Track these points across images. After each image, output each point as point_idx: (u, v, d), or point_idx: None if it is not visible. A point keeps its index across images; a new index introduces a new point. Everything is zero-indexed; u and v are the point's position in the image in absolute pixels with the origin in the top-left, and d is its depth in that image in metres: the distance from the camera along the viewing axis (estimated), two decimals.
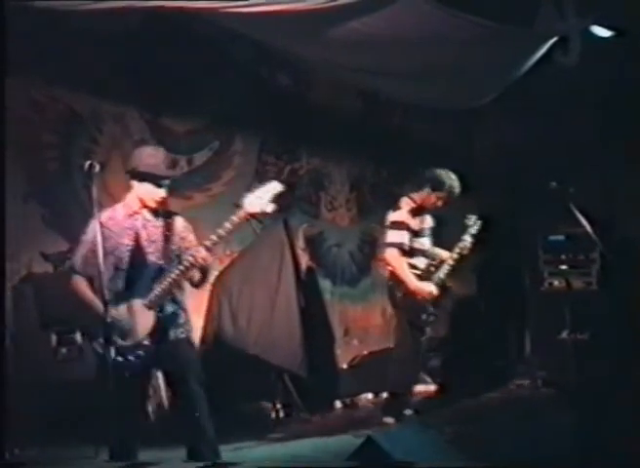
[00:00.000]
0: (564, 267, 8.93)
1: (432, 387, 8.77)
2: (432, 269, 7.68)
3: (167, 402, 7.30)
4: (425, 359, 9.48)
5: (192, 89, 8.43)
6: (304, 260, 9.29)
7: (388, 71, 7.88)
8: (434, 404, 8.15)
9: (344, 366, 9.17)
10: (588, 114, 9.45)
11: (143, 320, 5.54)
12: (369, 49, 7.43)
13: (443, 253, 7.76)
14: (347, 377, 8.96)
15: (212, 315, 8.31)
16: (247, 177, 9.00)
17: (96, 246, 5.37)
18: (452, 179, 7.70)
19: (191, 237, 5.82)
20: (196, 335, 7.83)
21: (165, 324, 5.60)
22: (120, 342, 5.46)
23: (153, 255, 5.66)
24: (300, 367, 8.14)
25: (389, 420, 7.66)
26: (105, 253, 5.42)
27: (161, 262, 5.65)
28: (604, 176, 9.22)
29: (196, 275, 5.70)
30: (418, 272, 7.62)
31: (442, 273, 7.67)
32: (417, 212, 7.68)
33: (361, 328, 9.91)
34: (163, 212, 5.79)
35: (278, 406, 8.11)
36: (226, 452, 6.09)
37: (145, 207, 5.72)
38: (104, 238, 5.46)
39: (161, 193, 5.69)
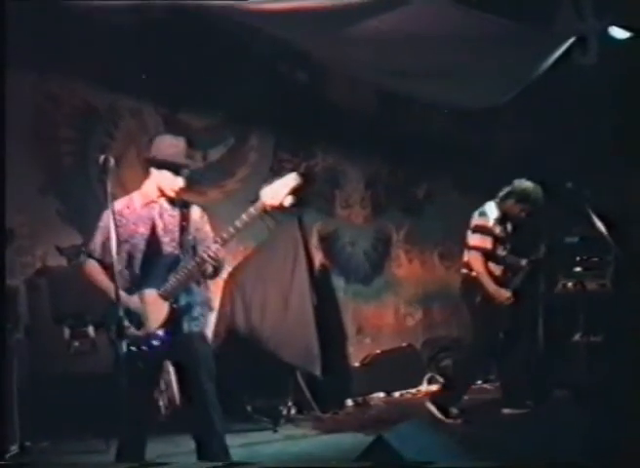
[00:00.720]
0: (578, 269, 8.90)
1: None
2: (509, 276, 7.75)
3: (179, 396, 7.29)
4: (437, 359, 9.57)
5: (209, 84, 8.44)
6: (318, 258, 9.30)
7: (406, 70, 7.85)
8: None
9: (357, 364, 9.17)
10: (605, 114, 9.41)
11: (157, 310, 5.51)
12: (387, 47, 7.41)
13: (520, 261, 7.82)
14: (359, 376, 8.95)
15: (225, 311, 8.31)
16: (262, 174, 8.99)
17: (112, 233, 5.38)
18: (537, 193, 7.73)
19: (207, 228, 5.78)
20: (209, 330, 7.88)
21: (179, 315, 5.57)
22: (133, 331, 5.45)
23: (169, 245, 5.62)
24: (312, 364, 8.13)
25: (433, 409, 7.69)
26: (121, 241, 5.42)
27: (177, 252, 5.62)
28: (620, 178, 9.18)
29: (209, 268, 5.67)
30: (494, 277, 7.69)
31: (518, 279, 7.76)
32: (502, 219, 7.73)
33: (374, 326, 9.90)
34: (180, 201, 5.77)
35: (290, 403, 8.11)
36: (236, 449, 6.10)
37: (164, 196, 5.70)
38: (120, 226, 5.47)
39: (180, 182, 5.67)
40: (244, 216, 5.45)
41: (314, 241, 9.37)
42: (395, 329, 10.00)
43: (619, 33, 8.33)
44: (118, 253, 5.29)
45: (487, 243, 7.68)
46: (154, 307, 5.52)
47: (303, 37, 7.38)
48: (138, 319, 5.49)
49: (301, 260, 8.44)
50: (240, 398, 7.77)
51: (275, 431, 7.53)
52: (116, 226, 5.39)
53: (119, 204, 5.59)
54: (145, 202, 5.68)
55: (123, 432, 5.49)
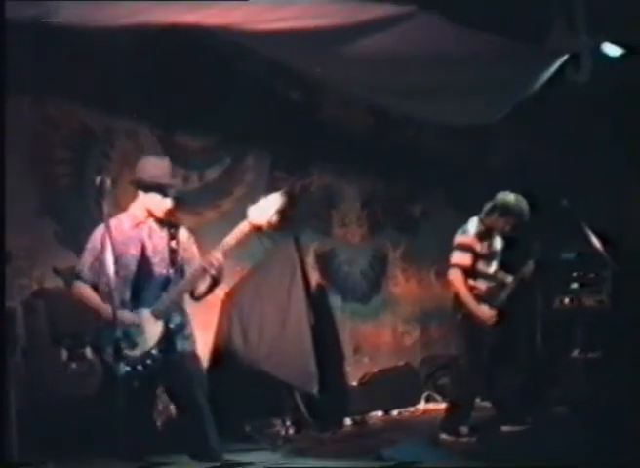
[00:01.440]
0: (575, 285, 8.90)
1: (442, 405, 8.70)
2: (494, 292, 7.71)
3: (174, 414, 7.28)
4: (435, 378, 9.56)
5: (204, 105, 8.45)
6: (315, 277, 9.30)
7: (401, 88, 7.88)
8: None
9: (355, 383, 9.16)
10: (599, 131, 9.45)
11: (152, 330, 5.56)
12: (381, 66, 7.44)
13: (506, 277, 7.80)
14: (358, 395, 8.94)
15: (222, 331, 8.31)
16: (258, 194, 8.93)
17: (101, 254, 5.43)
18: (520, 205, 7.69)
19: (194, 249, 5.89)
20: (206, 351, 7.87)
21: (173, 334, 5.61)
22: (128, 352, 5.45)
23: (159, 266, 5.70)
24: (310, 383, 8.12)
25: (445, 437, 7.61)
26: (110, 263, 5.46)
27: (168, 272, 5.67)
28: (615, 194, 9.21)
29: (201, 286, 5.72)
30: (479, 294, 7.64)
31: (504, 296, 7.71)
32: (485, 234, 7.70)
33: (371, 345, 9.90)
34: (168, 223, 5.82)
35: (288, 422, 8.09)
36: None
37: (152, 217, 5.76)
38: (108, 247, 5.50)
39: (168, 203, 5.73)
40: (229, 236, 5.52)
41: (311, 260, 9.38)
42: (393, 347, 10.00)
43: (612, 50, 8.37)
44: (108, 273, 5.33)
45: (466, 260, 7.60)
46: (148, 327, 5.56)
47: (298, 57, 7.41)
48: (132, 339, 5.51)
49: (298, 280, 8.45)
50: (238, 417, 7.76)
51: (274, 451, 7.52)
52: (104, 248, 5.45)
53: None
54: (134, 223, 5.76)
55: (121, 452, 5.48)
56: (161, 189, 5.70)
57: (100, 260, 5.53)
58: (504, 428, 7.83)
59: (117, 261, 5.52)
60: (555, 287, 9.00)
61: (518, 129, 9.57)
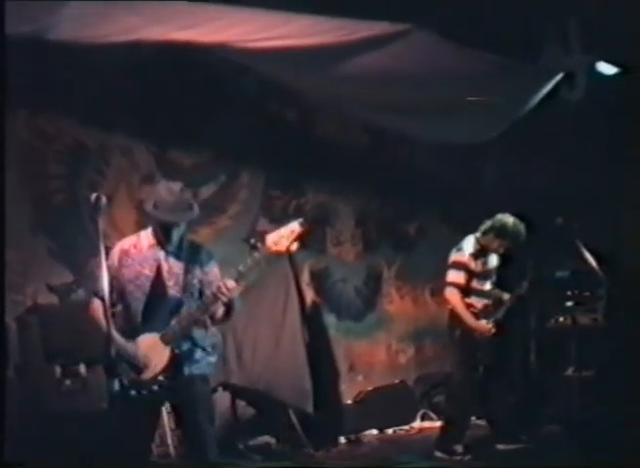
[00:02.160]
0: (570, 304, 8.89)
1: (438, 423, 8.68)
2: (491, 309, 7.76)
3: (174, 443, 7.24)
4: (430, 396, 9.53)
5: (199, 122, 8.47)
6: (310, 295, 9.28)
7: (395, 106, 7.90)
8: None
9: (349, 401, 9.13)
10: (594, 149, 9.46)
11: (158, 355, 5.42)
12: (376, 84, 7.47)
13: (503, 295, 7.84)
14: (352, 413, 8.91)
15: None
16: (252, 211, 9.02)
17: (119, 272, 5.40)
18: (517, 229, 7.74)
19: (215, 270, 5.64)
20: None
21: (180, 360, 5.49)
22: (134, 376, 5.40)
23: (173, 289, 5.51)
24: (304, 402, 8.11)
25: (440, 455, 7.62)
26: (125, 282, 5.41)
27: (180, 296, 5.55)
28: (609, 212, 9.21)
29: (219, 310, 5.57)
30: (475, 311, 7.70)
31: (500, 314, 7.75)
32: (479, 253, 7.75)
33: (366, 363, 9.86)
34: (190, 243, 5.71)
35: (283, 441, 8.06)
36: None
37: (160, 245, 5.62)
38: (126, 265, 5.44)
39: (175, 236, 5.58)
40: (248, 261, 5.41)
41: (305, 278, 9.35)
42: (387, 365, 9.96)
43: (606, 69, 8.41)
44: (122, 293, 5.29)
45: (461, 278, 7.69)
46: (155, 352, 5.40)
47: (292, 75, 7.43)
48: (139, 364, 5.43)
49: (293, 298, 8.45)
50: (233, 435, 7.73)
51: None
52: (121, 266, 5.41)
53: (127, 242, 5.56)
54: (151, 243, 5.60)
55: None
56: (170, 225, 5.57)
57: (117, 279, 5.45)
58: (499, 446, 7.82)
59: (132, 281, 5.46)
60: (550, 305, 8.98)
61: (513, 147, 9.57)
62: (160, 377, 5.40)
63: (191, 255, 5.58)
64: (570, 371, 8.55)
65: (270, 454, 7.81)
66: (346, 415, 8.81)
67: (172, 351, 5.41)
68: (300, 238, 5.39)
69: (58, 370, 7.07)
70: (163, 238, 5.53)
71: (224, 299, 5.34)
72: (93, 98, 7.76)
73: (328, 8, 6.92)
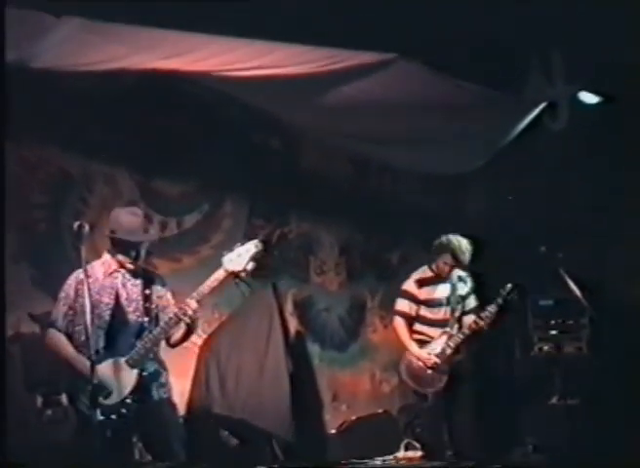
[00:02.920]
0: (554, 332, 8.90)
1: (419, 453, 8.65)
2: (446, 337, 7.84)
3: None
4: (413, 425, 9.49)
5: (183, 151, 8.46)
6: (293, 325, 9.26)
7: (379, 136, 7.93)
8: None
9: (333, 431, 9.08)
10: (577, 179, 9.49)
11: (126, 378, 5.54)
12: (360, 114, 7.49)
13: (453, 326, 7.87)
14: (336, 443, 8.87)
15: (199, 379, 8.25)
16: (236, 241, 8.93)
17: (75, 302, 5.50)
18: (456, 244, 7.81)
19: (168, 296, 5.86)
20: (183, 399, 7.80)
21: (147, 383, 5.58)
22: (103, 401, 5.40)
23: (134, 314, 5.68)
24: (288, 431, 8.09)
25: None
26: (83, 311, 5.42)
27: (142, 321, 5.65)
28: (593, 241, 9.23)
29: (177, 333, 5.70)
30: (426, 339, 7.79)
31: (452, 342, 7.83)
32: (427, 281, 7.77)
33: (350, 393, 9.81)
34: (143, 270, 5.81)
35: None
36: None
37: (123, 268, 5.74)
38: (83, 295, 5.46)
39: (138, 257, 5.71)
40: (204, 285, 5.56)
41: (289, 307, 9.33)
42: (371, 395, 9.91)
43: (588, 98, 8.46)
44: (82, 322, 5.34)
45: (405, 306, 7.88)
46: (123, 376, 5.54)
47: (277, 104, 7.45)
48: (107, 389, 5.46)
49: (276, 327, 8.44)
50: (216, 465, 7.68)
51: None
52: (77, 296, 5.47)
53: (81, 273, 5.58)
54: (108, 271, 5.72)
55: None
56: (131, 245, 5.68)
57: (74, 309, 5.52)
58: None
59: (91, 310, 5.48)
60: (534, 333, 8.98)
61: (497, 176, 9.59)
62: (128, 400, 5.46)
63: (146, 282, 5.70)
64: (554, 400, 8.55)
65: None
66: (330, 445, 8.78)
67: (139, 374, 5.49)
68: (258, 257, 5.49)
69: (39, 399, 7.03)
70: (124, 258, 5.65)
71: (187, 320, 5.49)
72: (76, 127, 7.76)
73: (312, 37, 6.95)
